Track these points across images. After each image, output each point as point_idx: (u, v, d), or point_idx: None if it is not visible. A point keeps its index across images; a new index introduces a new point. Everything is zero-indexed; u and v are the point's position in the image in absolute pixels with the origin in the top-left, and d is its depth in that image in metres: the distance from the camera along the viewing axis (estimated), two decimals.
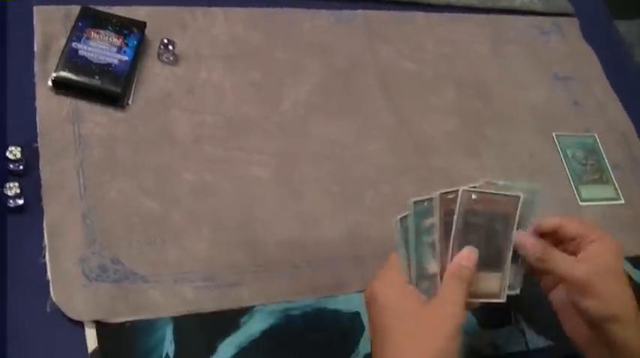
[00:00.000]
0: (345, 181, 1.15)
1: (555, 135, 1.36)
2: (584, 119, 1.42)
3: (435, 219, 0.90)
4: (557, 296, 0.97)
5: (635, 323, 0.89)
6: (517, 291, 0.93)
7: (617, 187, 1.35)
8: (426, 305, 0.86)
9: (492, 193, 0.91)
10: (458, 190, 0.90)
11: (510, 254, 0.92)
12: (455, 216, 0.89)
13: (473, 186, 0.91)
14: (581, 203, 1.30)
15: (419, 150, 1.22)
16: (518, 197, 0.92)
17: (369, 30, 1.34)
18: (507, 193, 0.92)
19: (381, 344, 0.86)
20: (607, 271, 0.89)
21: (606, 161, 1.37)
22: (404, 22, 1.38)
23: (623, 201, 1.34)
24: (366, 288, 0.91)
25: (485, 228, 0.91)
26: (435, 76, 1.33)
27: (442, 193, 0.90)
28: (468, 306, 0.89)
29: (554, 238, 0.94)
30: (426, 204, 0.91)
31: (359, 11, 1.35)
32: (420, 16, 1.41)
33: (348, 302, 1.05)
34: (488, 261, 0.91)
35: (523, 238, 0.91)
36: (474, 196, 0.90)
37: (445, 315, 0.84)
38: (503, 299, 0.92)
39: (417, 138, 1.24)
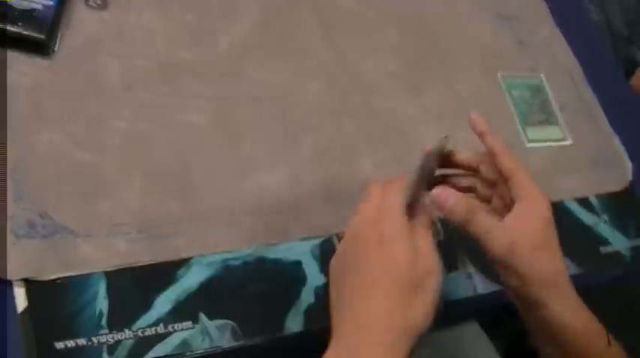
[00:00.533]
0: (284, 125, 1.11)
1: (500, 75, 1.33)
2: (529, 59, 1.40)
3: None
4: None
5: (564, 301, 0.85)
6: (440, 237, 0.92)
7: (564, 128, 1.33)
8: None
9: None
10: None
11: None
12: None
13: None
14: (528, 144, 1.28)
15: (360, 91, 1.19)
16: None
17: None
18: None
19: (351, 277, 0.81)
20: (532, 246, 0.83)
21: (553, 102, 1.35)
22: None
23: (570, 142, 1.32)
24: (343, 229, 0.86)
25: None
26: (378, 15, 1.29)
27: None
28: None
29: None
30: None
31: None
32: None
33: (289, 250, 1.02)
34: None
35: (443, 194, 0.84)
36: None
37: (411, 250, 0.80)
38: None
39: (358, 79, 1.20)
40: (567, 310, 0.85)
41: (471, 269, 1.11)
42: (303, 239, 1.03)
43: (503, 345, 1.28)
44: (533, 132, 1.29)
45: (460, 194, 0.85)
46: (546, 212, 0.85)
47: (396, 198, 0.82)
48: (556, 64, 1.41)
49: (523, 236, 0.82)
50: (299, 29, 1.21)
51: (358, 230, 0.82)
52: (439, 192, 0.84)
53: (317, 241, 1.03)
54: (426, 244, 0.81)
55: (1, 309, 0.89)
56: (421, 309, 0.78)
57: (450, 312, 1.09)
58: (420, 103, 1.22)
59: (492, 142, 0.89)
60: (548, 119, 1.32)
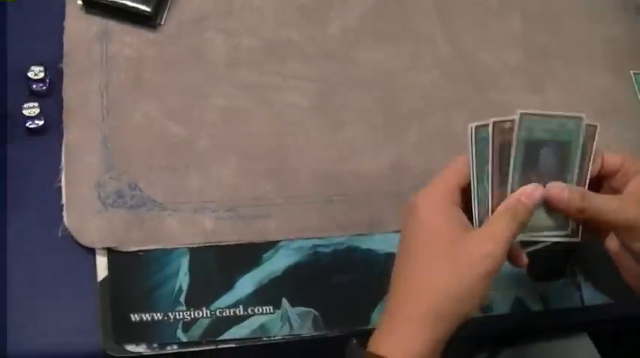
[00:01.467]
0: (390, 112, 1.07)
1: (633, 73, 1.25)
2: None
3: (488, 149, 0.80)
4: (611, 239, 0.85)
5: None
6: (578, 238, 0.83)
7: None
8: (467, 234, 0.77)
9: (554, 115, 0.79)
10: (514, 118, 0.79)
11: (587, 185, 0.82)
12: (513, 145, 0.79)
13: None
14: None
15: (475, 82, 1.13)
16: (581, 117, 0.80)
17: None
18: (569, 114, 0.80)
19: (404, 261, 0.79)
20: None
21: None
22: None
23: None
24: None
25: (551, 157, 0.81)
26: (500, 5, 1.23)
27: (496, 121, 0.80)
28: (522, 249, 0.82)
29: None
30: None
31: None
32: None
33: (383, 241, 0.98)
34: None
35: (556, 190, 0.80)
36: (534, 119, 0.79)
37: (482, 251, 0.75)
38: (578, 238, 0.82)
39: (473, 70, 1.14)
40: None
41: (580, 278, 1.04)
42: (399, 230, 0.98)
43: None
44: None
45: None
46: None
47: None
48: None
49: None
50: (415, 16, 1.16)
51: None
52: (553, 188, 0.79)
53: None
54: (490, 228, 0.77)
55: (80, 277, 0.89)
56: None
57: (555, 322, 1.04)
58: (540, 99, 1.15)
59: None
60: None
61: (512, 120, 0.78)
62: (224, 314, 0.89)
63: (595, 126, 0.81)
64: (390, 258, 0.96)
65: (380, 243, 0.98)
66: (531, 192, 0.79)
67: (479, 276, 0.74)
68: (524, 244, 0.82)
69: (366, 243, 0.98)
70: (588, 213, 0.78)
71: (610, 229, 0.82)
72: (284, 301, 0.91)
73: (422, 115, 1.07)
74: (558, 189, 0.79)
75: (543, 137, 0.79)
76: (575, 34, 1.25)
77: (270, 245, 0.94)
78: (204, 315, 0.88)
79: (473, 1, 1.21)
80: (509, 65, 1.17)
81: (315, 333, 0.91)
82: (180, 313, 0.88)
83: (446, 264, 0.75)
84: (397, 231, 0.93)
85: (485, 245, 0.75)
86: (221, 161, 0.97)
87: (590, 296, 1.04)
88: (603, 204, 0.79)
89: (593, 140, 0.82)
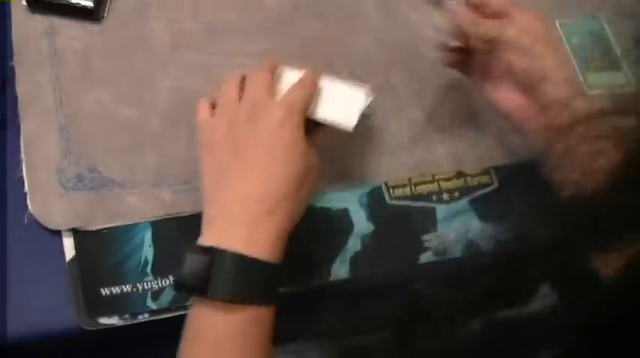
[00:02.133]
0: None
1: (559, 23, 1.30)
2: (590, 5, 1.36)
3: None
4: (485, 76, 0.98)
5: (567, 83, 0.90)
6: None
7: (628, 72, 1.30)
8: None
9: None
10: None
11: None
12: None
13: None
14: (588, 91, 1.25)
15: (409, 44, 1.18)
16: None
17: None
18: None
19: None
20: (538, 35, 0.91)
21: (615, 46, 1.32)
22: None
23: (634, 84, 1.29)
24: None
25: None
26: None
27: None
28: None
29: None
30: None
31: None
32: None
33: (337, 199, 1.03)
34: None
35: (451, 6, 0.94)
36: None
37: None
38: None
39: (406, 32, 1.19)
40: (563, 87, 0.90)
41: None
42: (351, 187, 1.03)
43: None
44: (593, 78, 1.26)
45: None
46: (541, 17, 0.94)
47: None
48: (619, 8, 1.38)
49: (530, 28, 0.92)
50: None
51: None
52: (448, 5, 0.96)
53: (365, 189, 1.04)
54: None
55: (50, 259, 0.93)
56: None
57: None
58: None
59: None
60: (611, 64, 1.29)
61: None
62: None
63: None
64: (343, 213, 1.02)
65: (333, 200, 1.03)
66: None
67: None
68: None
69: (321, 202, 1.03)
70: (479, 28, 0.92)
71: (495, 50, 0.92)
72: None
73: (360, 79, 1.12)
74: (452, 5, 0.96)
75: None
76: None
77: None
78: (171, 283, 0.93)
79: None
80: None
81: (280, 290, 0.95)
82: (148, 283, 0.93)
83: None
84: (350, 188, 0.99)
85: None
86: (173, 138, 1.01)
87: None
88: (493, 22, 0.93)
89: None
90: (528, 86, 0.90)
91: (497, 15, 0.93)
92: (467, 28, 0.92)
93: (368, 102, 0.93)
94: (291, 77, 0.89)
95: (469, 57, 0.98)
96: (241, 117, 0.83)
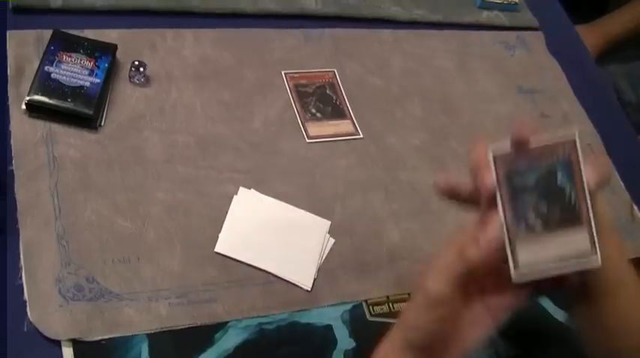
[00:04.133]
0: (314, 197, 1.17)
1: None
2: (550, 131, 1.44)
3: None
4: None
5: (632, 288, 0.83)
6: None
7: None
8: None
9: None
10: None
11: (589, 202, 0.74)
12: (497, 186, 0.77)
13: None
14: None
15: (386, 164, 1.25)
16: (573, 138, 0.76)
17: (337, 47, 1.37)
18: (558, 137, 0.77)
19: None
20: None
21: None
22: (370, 39, 1.42)
23: None
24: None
25: (540, 185, 0.76)
26: (401, 91, 1.36)
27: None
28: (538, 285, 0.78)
29: None
30: None
31: (327, 30, 1.38)
32: (386, 33, 1.44)
33: (320, 315, 1.07)
34: (562, 218, 0.75)
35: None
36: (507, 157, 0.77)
37: (421, 284, 0.78)
38: (597, 262, 0.74)
39: (384, 153, 1.26)
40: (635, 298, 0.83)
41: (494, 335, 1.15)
42: (334, 305, 1.08)
43: None
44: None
45: None
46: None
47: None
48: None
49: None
50: None
51: None
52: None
53: (347, 307, 1.09)
54: None
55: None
56: None
57: None
58: None
59: None
60: None
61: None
62: None
63: (573, 138, 0.76)
64: (327, 329, 1.06)
65: (317, 316, 1.07)
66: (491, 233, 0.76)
67: (416, 305, 0.79)
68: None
69: (305, 318, 1.06)
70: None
71: None
72: None
73: (342, 198, 1.18)
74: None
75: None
76: (469, 114, 1.38)
77: (220, 326, 1.02)
78: None
79: (377, 90, 1.34)
80: (414, 146, 1.29)
81: None
82: None
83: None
84: (331, 305, 1.03)
85: (425, 277, 0.77)
86: (168, 251, 1.05)
87: (505, 351, 1.14)
88: None
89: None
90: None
91: None
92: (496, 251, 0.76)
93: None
94: None
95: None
96: None
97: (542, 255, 0.75)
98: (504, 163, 0.77)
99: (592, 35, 1.99)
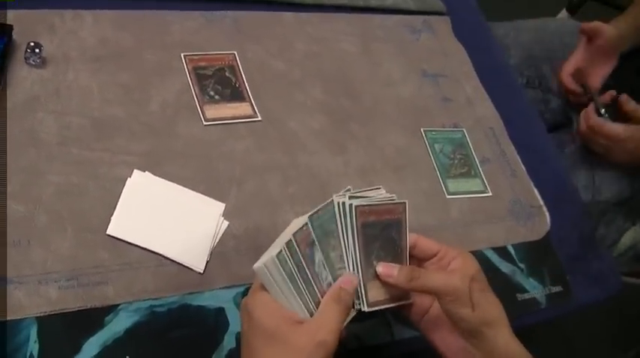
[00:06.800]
0: (210, 179, 1.17)
1: (423, 130, 1.40)
2: (453, 114, 1.47)
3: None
4: (427, 320, 1.00)
5: (509, 327, 0.95)
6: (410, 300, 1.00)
7: (485, 180, 1.40)
8: (298, 328, 0.87)
9: (380, 204, 0.97)
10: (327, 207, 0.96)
11: (407, 257, 0.99)
12: (353, 232, 0.94)
13: (344, 193, 0.97)
14: (447, 196, 1.34)
15: (285, 147, 1.26)
16: (404, 203, 0.99)
17: (239, 30, 1.36)
18: (394, 201, 0.99)
19: None
20: (477, 281, 0.94)
21: (474, 155, 1.42)
22: (273, 21, 1.42)
23: (490, 194, 1.39)
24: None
25: (381, 237, 0.97)
26: (303, 75, 1.37)
27: (311, 215, 0.94)
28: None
29: (410, 256, 1.00)
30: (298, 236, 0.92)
31: (229, 12, 1.38)
32: (288, 15, 1.44)
33: (212, 298, 1.08)
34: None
35: (386, 268, 0.95)
36: (365, 208, 0.95)
37: (314, 341, 0.85)
38: (410, 300, 1.00)
39: (283, 136, 1.27)
40: (512, 341, 0.94)
41: (389, 317, 1.17)
42: (227, 287, 1.08)
43: None
44: (453, 185, 1.35)
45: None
46: (474, 259, 0.98)
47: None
48: (479, 120, 1.48)
49: (470, 273, 0.94)
50: None
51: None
52: (383, 268, 0.96)
53: (240, 289, 1.09)
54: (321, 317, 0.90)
55: None
56: None
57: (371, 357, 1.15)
58: (342, 160, 1.29)
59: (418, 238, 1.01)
60: (469, 172, 1.39)
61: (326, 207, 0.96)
62: None
63: (404, 203, 1.00)
64: (219, 312, 1.07)
65: (210, 299, 1.07)
66: (349, 279, 0.93)
67: None
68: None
69: (197, 300, 1.07)
70: (420, 281, 0.93)
71: (436, 298, 0.96)
72: None
73: (238, 181, 1.18)
74: (387, 269, 0.95)
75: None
76: (371, 98, 1.39)
77: (111, 308, 1.02)
78: None
79: (278, 73, 1.34)
80: (313, 130, 1.30)
81: None
82: None
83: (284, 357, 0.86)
84: (224, 288, 1.04)
85: (318, 334, 0.86)
86: (60, 234, 1.04)
87: (400, 330, 1.17)
88: (432, 273, 0.95)
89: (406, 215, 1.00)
90: (471, 332, 0.93)
91: (429, 256, 0.99)
92: (406, 285, 0.94)
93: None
94: None
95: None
96: None
97: (383, 294, 0.97)
98: (362, 214, 0.94)
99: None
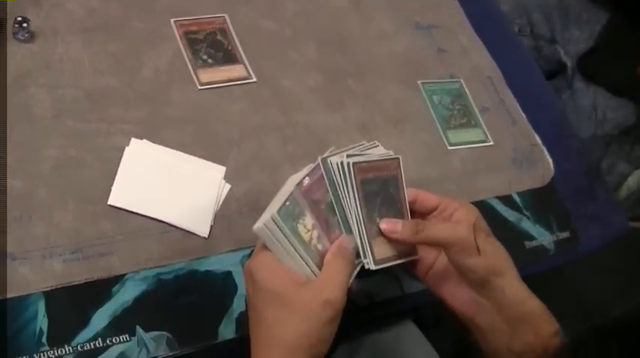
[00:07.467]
0: (208, 143, 1.16)
1: (420, 83, 1.38)
2: (449, 65, 1.46)
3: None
4: (433, 275, 0.99)
5: (517, 274, 0.94)
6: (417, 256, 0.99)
7: (486, 130, 1.39)
8: (303, 288, 0.86)
9: (377, 160, 0.95)
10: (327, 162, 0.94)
11: (408, 211, 0.97)
12: (353, 190, 0.92)
13: (331, 153, 0.95)
14: (449, 147, 1.33)
15: (281, 107, 1.25)
16: (398, 158, 0.98)
17: None
18: (389, 157, 0.97)
19: (255, 323, 0.88)
20: (482, 230, 0.93)
21: (473, 105, 1.41)
22: None
23: (492, 143, 1.38)
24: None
25: (382, 193, 0.95)
26: (295, 34, 1.35)
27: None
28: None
29: (411, 211, 0.98)
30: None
31: None
32: None
33: (219, 262, 1.07)
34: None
35: (389, 224, 0.93)
36: (363, 165, 0.93)
37: (322, 301, 0.85)
38: (417, 255, 0.98)
39: (278, 96, 1.26)
40: (521, 287, 0.94)
41: (397, 271, 1.16)
42: (232, 250, 1.08)
43: (446, 345, 1.32)
44: (454, 136, 1.34)
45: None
46: (476, 209, 0.96)
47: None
48: (475, 69, 1.47)
49: (473, 222, 0.93)
50: None
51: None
52: (387, 224, 0.94)
53: (246, 252, 1.09)
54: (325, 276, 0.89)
55: None
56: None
57: (381, 312, 1.15)
58: (341, 116, 1.28)
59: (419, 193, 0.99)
60: (469, 122, 1.38)
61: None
62: (85, 348, 0.95)
63: (398, 158, 0.98)
64: (226, 276, 1.06)
65: (216, 263, 1.07)
66: (348, 239, 0.92)
67: (322, 322, 0.84)
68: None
69: (203, 266, 1.06)
70: (425, 233, 0.92)
71: (443, 249, 0.95)
72: (138, 328, 0.98)
73: (237, 143, 1.17)
74: (390, 224, 0.93)
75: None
76: (365, 53, 1.38)
77: (118, 279, 1.01)
78: (67, 352, 0.94)
79: (270, 33, 1.33)
80: (309, 88, 1.29)
81: (171, 353, 0.99)
82: (45, 353, 0.93)
83: (291, 319, 0.84)
84: (230, 251, 1.03)
85: (324, 292, 0.85)
86: (61, 207, 1.03)
87: (409, 285, 1.16)
88: (437, 224, 0.94)
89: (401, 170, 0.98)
90: (480, 282, 0.93)
91: (430, 209, 0.98)
92: (411, 238, 0.93)
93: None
94: None
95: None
96: None
97: (389, 251, 0.95)
98: (360, 171, 0.92)
99: None
